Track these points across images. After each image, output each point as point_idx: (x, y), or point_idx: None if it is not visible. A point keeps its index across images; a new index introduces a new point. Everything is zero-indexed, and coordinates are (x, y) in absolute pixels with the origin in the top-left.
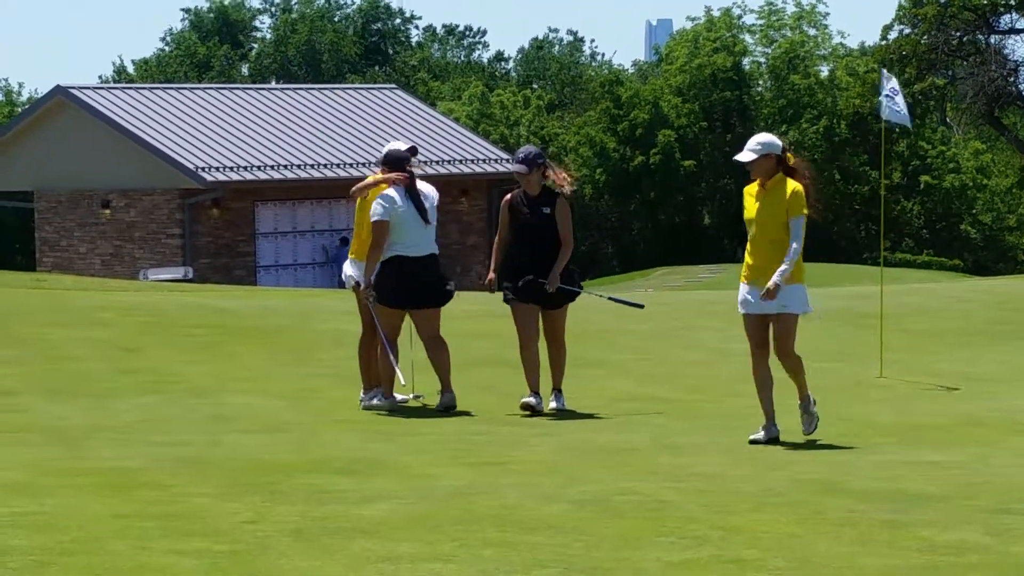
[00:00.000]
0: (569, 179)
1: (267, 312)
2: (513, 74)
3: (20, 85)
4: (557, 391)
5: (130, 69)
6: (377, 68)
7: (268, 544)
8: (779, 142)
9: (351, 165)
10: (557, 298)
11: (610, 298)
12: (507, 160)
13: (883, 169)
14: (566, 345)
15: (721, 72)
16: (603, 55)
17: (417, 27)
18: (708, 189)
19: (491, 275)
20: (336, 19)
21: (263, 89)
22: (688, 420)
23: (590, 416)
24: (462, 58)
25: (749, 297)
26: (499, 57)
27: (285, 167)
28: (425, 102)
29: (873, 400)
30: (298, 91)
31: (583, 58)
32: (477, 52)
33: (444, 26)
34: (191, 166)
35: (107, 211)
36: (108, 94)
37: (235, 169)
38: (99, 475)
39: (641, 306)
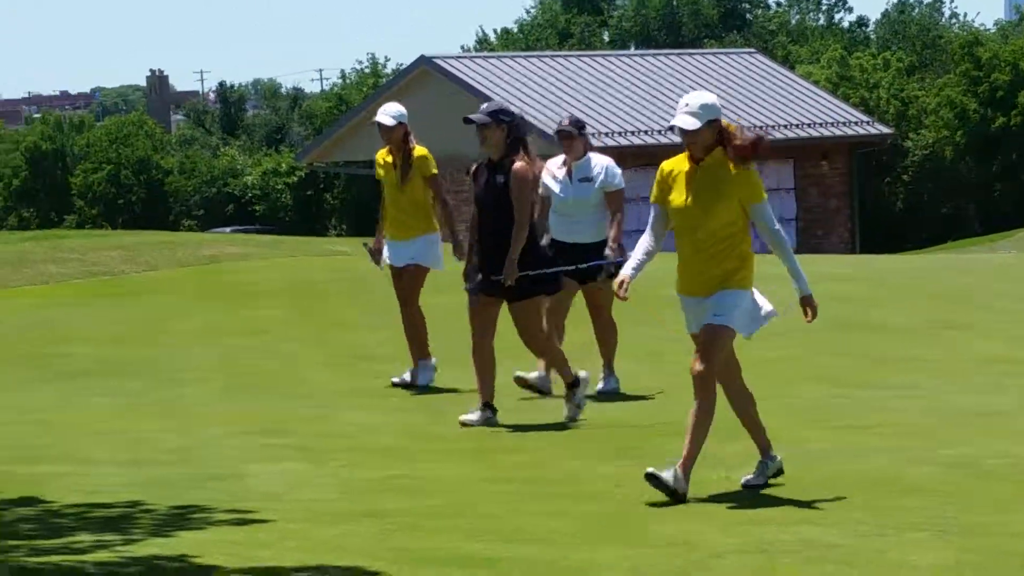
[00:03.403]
0: (529, 164)
1: None
2: (872, 36)
3: (386, 59)
4: (569, 389)
5: (492, 38)
6: (736, 33)
7: (640, 508)
8: (719, 105)
9: None
10: (516, 290)
11: (576, 268)
12: (867, 123)
13: None
14: (546, 345)
15: None
16: (963, 15)
17: None
18: None
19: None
20: None
21: (623, 55)
22: None
23: (957, 378)
24: (822, 22)
25: (692, 315)
26: (860, 23)
27: (646, 132)
28: (784, 66)
29: None
30: (658, 56)
31: (943, 19)
32: (838, 16)
33: None
34: (553, 134)
35: (467, 177)
36: (471, 63)
37: (596, 135)
38: (467, 440)
39: (604, 266)
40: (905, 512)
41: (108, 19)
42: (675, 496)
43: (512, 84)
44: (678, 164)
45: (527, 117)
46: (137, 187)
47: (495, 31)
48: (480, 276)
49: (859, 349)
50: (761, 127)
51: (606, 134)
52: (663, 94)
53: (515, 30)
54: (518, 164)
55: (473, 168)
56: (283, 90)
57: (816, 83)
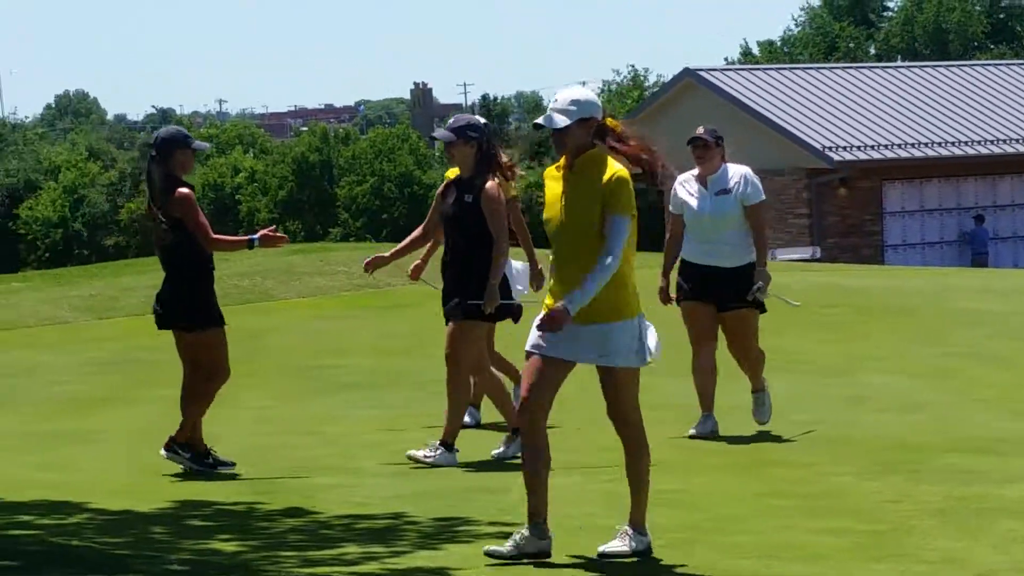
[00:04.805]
0: (508, 179)
1: (898, 291)
2: None
3: (646, 70)
4: (508, 434)
5: (755, 51)
6: (1004, 45)
7: (911, 524)
8: (598, 101)
9: (979, 143)
10: (463, 309)
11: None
12: None
13: None
14: (484, 377)
15: None
16: None
17: None
18: None
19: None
20: None
21: (889, 67)
22: None
23: None
24: None
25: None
26: None
27: (912, 145)
28: None
29: None
30: (924, 68)
31: None
32: None
33: None
34: (818, 146)
35: None
36: (736, 75)
37: (862, 148)
38: (735, 454)
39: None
40: None
41: (373, 32)
42: (544, 555)
43: (777, 96)
44: (554, 171)
45: (789, 129)
46: (400, 200)
47: (757, 43)
48: (447, 308)
49: None
50: None
51: (872, 147)
52: (931, 107)
53: (778, 43)
54: (489, 184)
55: (443, 186)
56: (546, 102)
57: None
